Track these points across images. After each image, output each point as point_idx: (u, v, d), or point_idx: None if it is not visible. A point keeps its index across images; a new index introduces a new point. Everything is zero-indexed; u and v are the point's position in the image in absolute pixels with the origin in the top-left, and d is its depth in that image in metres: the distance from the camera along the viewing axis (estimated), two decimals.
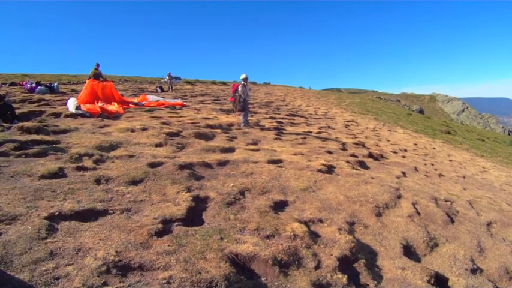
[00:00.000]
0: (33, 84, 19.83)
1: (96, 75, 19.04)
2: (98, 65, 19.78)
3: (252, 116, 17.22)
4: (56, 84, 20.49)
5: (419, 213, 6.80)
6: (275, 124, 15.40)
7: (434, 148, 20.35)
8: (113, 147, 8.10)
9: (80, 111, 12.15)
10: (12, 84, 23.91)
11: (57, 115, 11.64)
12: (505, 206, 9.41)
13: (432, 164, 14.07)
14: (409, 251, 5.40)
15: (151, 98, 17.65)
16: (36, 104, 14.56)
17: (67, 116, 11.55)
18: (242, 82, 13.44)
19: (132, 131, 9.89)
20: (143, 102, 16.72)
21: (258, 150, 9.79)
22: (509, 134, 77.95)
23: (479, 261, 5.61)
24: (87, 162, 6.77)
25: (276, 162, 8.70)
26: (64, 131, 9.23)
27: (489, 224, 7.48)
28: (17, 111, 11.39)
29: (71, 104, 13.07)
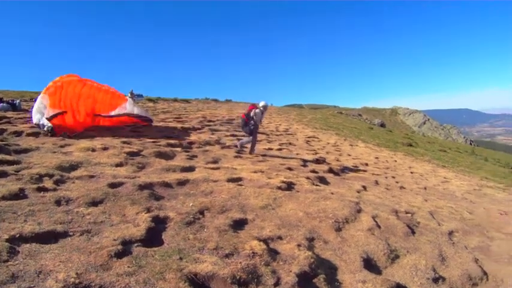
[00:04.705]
0: None
1: None
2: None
3: (213, 133, 17.27)
4: (18, 101, 19.83)
5: (379, 226, 7.00)
6: (236, 142, 15.46)
7: (396, 161, 20.86)
8: (73, 167, 7.99)
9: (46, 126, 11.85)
10: None
11: (18, 133, 11.28)
12: (466, 214, 9.77)
13: (393, 177, 14.45)
14: (369, 264, 5.54)
15: (128, 107, 15.90)
16: None
17: (29, 134, 11.26)
18: (261, 108, 13.43)
19: (93, 150, 9.77)
20: (113, 113, 15.28)
21: (218, 168, 9.83)
22: (471, 144, 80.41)
23: (441, 270, 5.82)
24: (48, 183, 6.65)
25: (236, 180, 8.77)
26: (25, 150, 9.02)
27: (451, 233, 7.77)
28: None
29: (38, 114, 12.58)
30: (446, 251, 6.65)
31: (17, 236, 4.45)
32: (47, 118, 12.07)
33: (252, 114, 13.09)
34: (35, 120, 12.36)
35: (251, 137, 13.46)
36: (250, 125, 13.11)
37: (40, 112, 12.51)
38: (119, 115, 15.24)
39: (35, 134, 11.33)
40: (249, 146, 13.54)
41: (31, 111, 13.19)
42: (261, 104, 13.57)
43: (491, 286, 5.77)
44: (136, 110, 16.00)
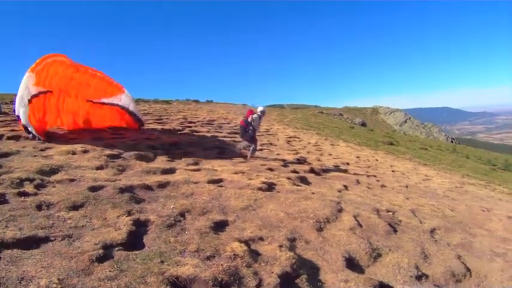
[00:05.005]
0: None
1: None
2: None
3: (193, 135, 17.17)
4: None
5: (361, 226, 7.01)
6: (217, 143, 15.40)
7: (377, 160, 21.04)
8: (54, 171, 7.87)
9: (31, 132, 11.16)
10: None
11: None
12: (448, 212, 9.85)
13: (374, 176, 14.53)
14: (352, 263, 5.55)
15: (124, 100, 14.91)
16: None
17: (9, 138, 11.02)
18: (259, 113, 13.30)
19: (73, 153, 9.63)
20: (106, 100, 14.23)
21: (198, 170, 9.77)
22: (452, 142, 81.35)
23: (424, 268, 5.86)
24: (29, 188, 6.55)
25: (217, 181, 8.71)
26: (6, 154, 8.85)
27: (433, 231, 7.82)
28: None
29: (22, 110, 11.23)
30: (429, 248, 6.70)
31: None
32: (28, 100, 11.19)
33: (250, 119, 13.01)
34: (16, 112, 11.41)
35: (249, 143, 13.37)
36: (250, 130, 13.01)
37: (23, 104, 11.18)
38: (112, 104, 14.41)
39: (16, 138, 11.13)
40: (247, 150, 13.50)
41: (14, 101, 12.63)
42: (259, 109, 13.58)
43: (474, 282, 5.83)
44: (131, 106, 15.17)
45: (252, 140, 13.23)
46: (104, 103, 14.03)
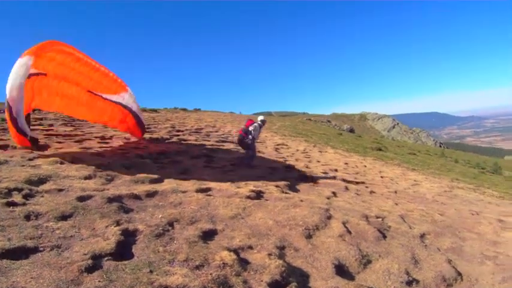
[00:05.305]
0: None
1: None
2: None
3: (181, 143, 17.14)
4: None
5: (350, 232, 7.02)
6: (205, 151, 15.38)
7: (366, 166, 21.11)
8: (42, 180, 7.80)
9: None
10: None
11: None
12: (437, 216, 9.90)
13: (363, 182, 14.53)
14: (341, 270, 5.55)
15: (127, 99, 12.59)
16: None
17: None
18: (260, 123, 13.58)
19: (61, 163, 9.56)
20: (107, 97, 11.88)
21: (187, 179, 9.75)
22: (440, 146, 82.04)
23: (415, 273, 5.88)
24: (17, 197, 6.50)
25: (205, 190, 8.71)
26: None
27: (422, 236, 7.86)
28: None
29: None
30: (419, 253, 6.73)
31: None
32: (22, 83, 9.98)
33: (250, 128, 13.17)
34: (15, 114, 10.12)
35: (247, 150, 13.62)
36: (248, 139, 13.17)
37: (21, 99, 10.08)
38: (115, 102, 12.06)
39: (3, 147, 11.04)
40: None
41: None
42: (260, 118, 13.86)
43: (465, 286, 5.87)
44: (135, 107, 12.58)
45: (250, 147, 13.41)
46: (105, 99, 11.97)
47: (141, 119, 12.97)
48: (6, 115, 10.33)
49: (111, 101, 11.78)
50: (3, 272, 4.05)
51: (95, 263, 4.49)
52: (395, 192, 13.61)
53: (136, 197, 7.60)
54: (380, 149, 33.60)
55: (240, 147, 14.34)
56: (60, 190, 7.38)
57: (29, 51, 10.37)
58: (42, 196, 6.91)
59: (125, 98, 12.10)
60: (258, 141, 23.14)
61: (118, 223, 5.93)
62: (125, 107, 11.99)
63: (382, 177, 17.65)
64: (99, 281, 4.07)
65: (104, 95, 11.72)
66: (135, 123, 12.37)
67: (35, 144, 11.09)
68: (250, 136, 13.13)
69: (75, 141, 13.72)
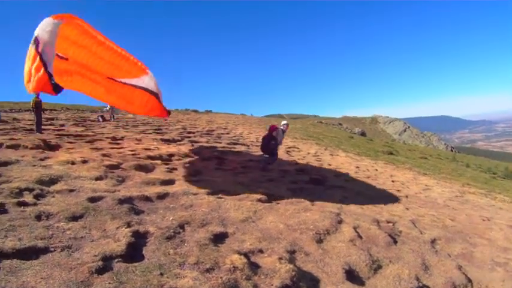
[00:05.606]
0: None
1: (38, 104, 17.91)
2: (38, 93, 18.28)
3: (192, 145, 17.22)
4: None
5: (361, 237, 7.01)
6: (216, 153, 15.43)
7: (377, 170, 20.98)
8: (53, 181, 7.88)
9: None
10: None
11: None
12: (448, 222, 9.83)
13: (374, 186, 14.47)
14: (352, 276, 5.54)
15: (147, 81, 11.86)
16: None
17: (8, 147, 11.01)
18: (283, 128, 13.65)
19: (73, 163, 9.64)
20: (127, 81, 11.09)
21: (198, 181, 9.80)
22: (451, 151, 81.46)
23: (425, 279, 5.83)
24: (28, 197, 6.57)
25: (216, 193, 8.75)
26: (5, 163, 8.84)
27: (433, 241, 7.79)
28: None
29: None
30: (429, 259, 6.69)
31: None
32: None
33: (274, 134, 13.21)
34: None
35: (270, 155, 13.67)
36: (272, 145, 13.23)
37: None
38: (135, 86, 11.18)
39: (15, 147, 11.16)
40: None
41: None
42: (283, 123, 13.88)
43: None
44: (155, 89, 11.36)
45: (272, 153, 13.47)
46: (125, 83, 11.29)
47: (163, 102, 11.75)
48: (33, 51, 10.28)
49: (130, 84, 11.14)
50: (14, 272, 4.09)
51: (105, 264, 4.52)
52: (407, 196, 13.52)
53: (147, 198, 7.65)
54: (391, 153, 33.46)
55: (260, 151, 14.31)
56: (71, 191, 7.45)
57: (57, 15, 10.35)
58: (53, 196, 6.98)
59: (145, 80, 11.23)
60: None
61: (129, 225, 5.98)
62: (146, 89, 11.15)
63: (393, 181, 17.54)
64: (109, 283, 4.10)
65: (124, 80, 11.20)
66: (159, 105, 11.37)
67: (56, 90, 10.78)
68: (273, 142, 13.18)
69: (87, 142, 13.85)
